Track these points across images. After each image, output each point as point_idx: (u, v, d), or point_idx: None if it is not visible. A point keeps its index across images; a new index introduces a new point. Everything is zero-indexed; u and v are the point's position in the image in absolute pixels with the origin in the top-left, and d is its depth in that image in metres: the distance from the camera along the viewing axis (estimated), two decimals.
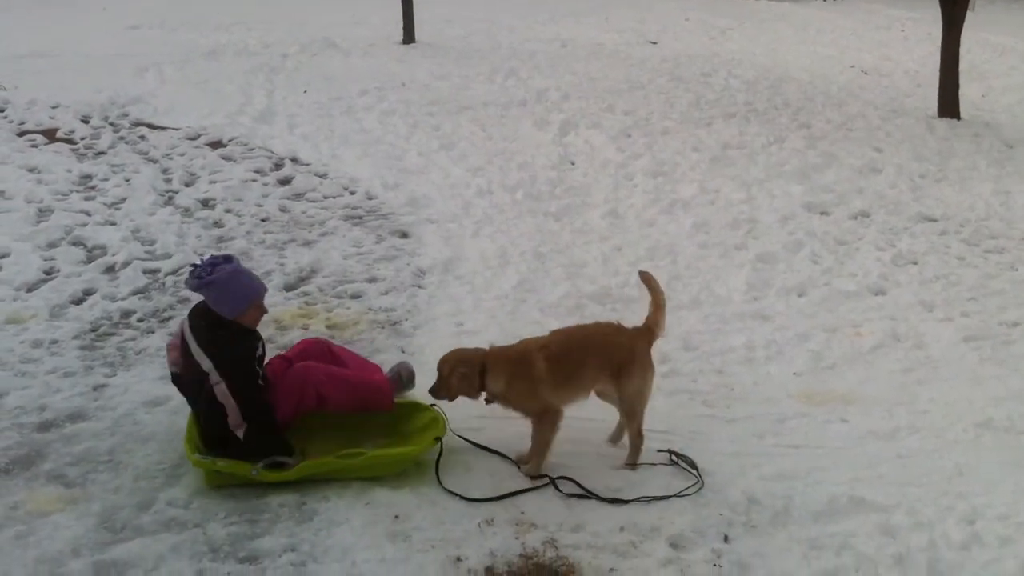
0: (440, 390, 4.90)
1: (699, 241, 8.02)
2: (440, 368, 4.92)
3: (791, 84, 14.41)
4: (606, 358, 4.96)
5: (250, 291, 4.71)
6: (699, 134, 11.15)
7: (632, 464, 4.95)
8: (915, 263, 7.79)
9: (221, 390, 4.52)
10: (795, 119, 12.12)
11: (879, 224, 8.59)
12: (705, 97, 13.14)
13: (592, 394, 5.08)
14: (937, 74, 12.99)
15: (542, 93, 13.02)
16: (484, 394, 4.93)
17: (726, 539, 4.36)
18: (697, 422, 5.38)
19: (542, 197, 9.09)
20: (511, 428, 5.20)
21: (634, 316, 6.64)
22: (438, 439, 4.82)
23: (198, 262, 4.78)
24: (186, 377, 4.76)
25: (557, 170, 9.85)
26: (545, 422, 4.83)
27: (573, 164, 10.12)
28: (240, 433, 4.55)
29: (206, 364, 4.56)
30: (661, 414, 5.41)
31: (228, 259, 4.72)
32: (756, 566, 4.20)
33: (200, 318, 4.70)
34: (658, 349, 6.14)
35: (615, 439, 5.20)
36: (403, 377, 5.24)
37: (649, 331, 5.18)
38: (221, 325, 4.64)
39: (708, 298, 7.02)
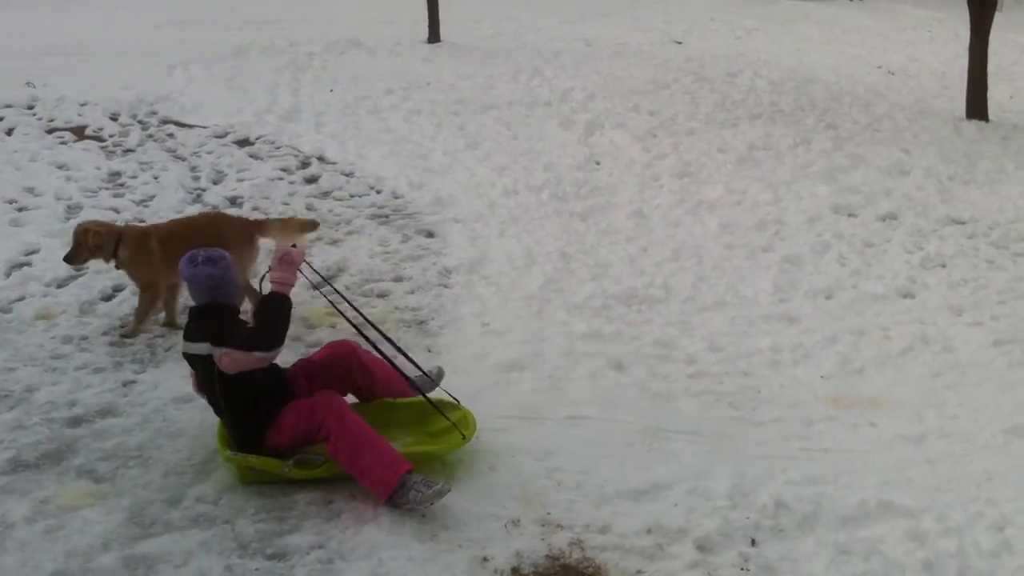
0: (77, 256, 6.15)
1: (725, 242, 8.00)
2: (77, 235, 6.11)
3: (817, 85, 14.35)
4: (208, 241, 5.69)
5: (233, 276, 4.87)
6: (725, 135, 11.12)
7: None
8: (943, 266, 7.74)
9: (227, 361, 4.51)
10: (822, 120, 12.07)
11: (907, 226, 8.54)
12: (731, 97, 13.10)
13: None
14: (964, 75, 12.88)
15: (567, 93, 13.01)
16: (115, 261, 6.20)
17: (753, 543, 4.36)
18: (723, 424, 5.37)
19: (567, 197, 9.09)
20: (538, 429, 5.23)
21: (660, 317, 6.68)
22: (464, 436, 4.84)
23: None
24: (203, 384, 4.78)
25: (583, 170, 9.85)
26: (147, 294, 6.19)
27: (598, 164, 10.11)
28: (263, 357, 4.53)
29: (204, 348, 4.57)
30: (687, 415, 5.42)
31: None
32: (784, 570, 4.19)
33: (189, 324, 4.75)
34: (683, 350, 6.20)
35: None
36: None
37: (256, 224, 6.60)
38: (215, 312, 4.69)
39: (734, 299, 7.01)
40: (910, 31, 20.11)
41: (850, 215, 8.77)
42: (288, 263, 4.72)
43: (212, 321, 4.66)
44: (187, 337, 4.71)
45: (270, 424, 4.62)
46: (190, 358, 4.72)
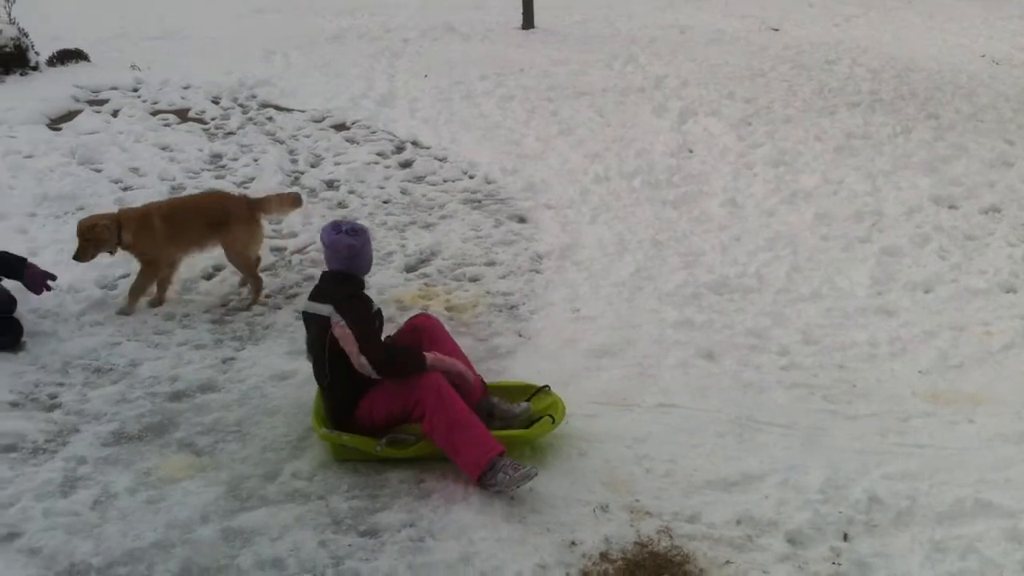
0: (85, 252, 6.23)
1: (821, 233, 7.87)
2: (82, 232, 6.20)
3: (918, 73, 13.98)
4: (212, 219, 6.46)
5: (372, 259, 5.07)
6: (822, 123, 10.91)
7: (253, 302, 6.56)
8: None
9: (340, 331, 4.62)
10: (923, 109, 11.76)
11: (1011, 219, 8.29)
12: (829, 85, 12.84)
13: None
14: None
15: (661, 80, 12.89)
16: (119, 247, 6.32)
17: (846, 537, 4.30)
18: (817, 417, 5.30)
19: (660, 185, 9.03)
20: (628, 416, 5.23)
21: (753, 307, 6.61)
22: (553, 420, 4.86)
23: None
24: (310, 346, 4.91)
25: (675, 158, 9.76)
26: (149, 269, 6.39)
27: (691, 152, 10.02)
28: (365, 365, 4.60)
29: (326, 309, 4.69)
30: (781, 407, 5.37)
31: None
32: (877, 566, 4.13)
33: (320, 284, 4.94)
34: (776, 341, 6.12)
35: (254, 299, 6.62)
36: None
37: (257, 203, 6.71)
38: (346, 278, 4.86)
39: (830, 291, 6.89)
40: (1016, 20, 19.42)
41: (951, 207, 8.55)
42: (459, 377, 4.80)
43: (342, 288, 4.81)
44: (312, 298, 4.87)
45: (362, 398, 4.72)
46: (308, 318, 4.85)
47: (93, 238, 6.24)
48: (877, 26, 17.83)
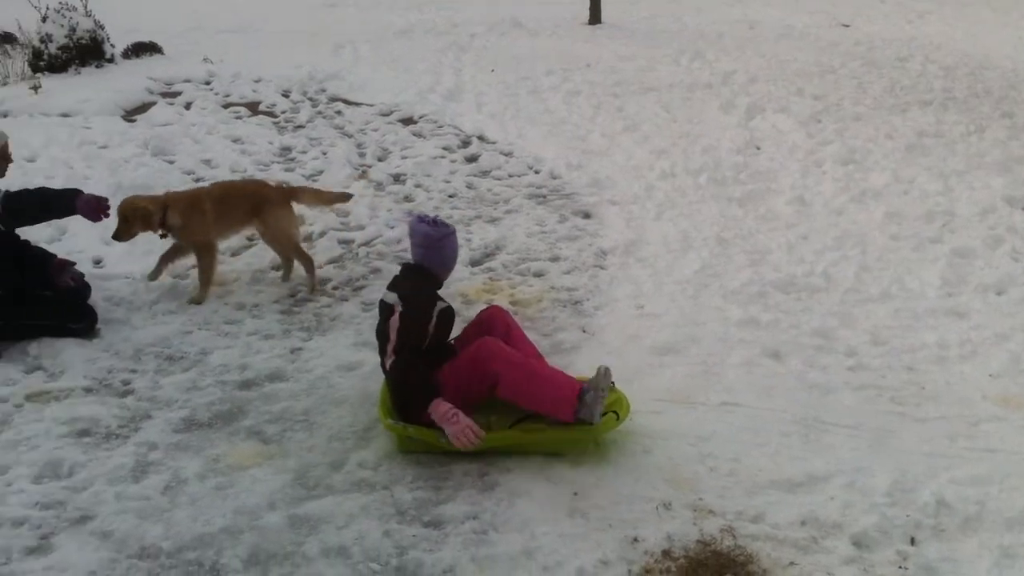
0: (125, 232, 6.25)
1: (891, 232, 7.75)
2: (123, 212, 6.23)
3: (993, 71, 13.70)
4: (253, 203, 6.65)
5: (455, 257, 5.12)
6: (893, 121, 10.74)
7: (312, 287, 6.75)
8: None
9: (394, 320, 4.72)
10: (997, 108, 11.52)
11: None
12: (900, 83, 12.64)
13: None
14: None
15: (728, 75, 12.80)
16: (162, 230, 6.38)
17: (913, 541, 4.24)
18: (885, 419, 5.22)
19: (726, 182, 8.96)
20: (692, 414, 5.21)
21: (820, 306, 6.54)
22: (617, 416, 4.86)
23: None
24: (377, 333, 4.98)
25: (742, 154, 9.69)
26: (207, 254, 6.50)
27: (759, 149, 9.93)
28: (388, 363, 4.72)
29: (392, 297, 4.80)
30: (847, 408, 5.30)
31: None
32: (944, 571, 4.06)
33: (399, 273, 5.04)
34: (844, 341, 6.05)
35: (285, 277, 6.90)
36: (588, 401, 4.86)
37: (292, 191, 6.97)
38: (421, 272, 4.94)
39: (899, 292, 6.79)
40: None
41: None
42: (455, 430, 4.61)
43: (411, 279, 4.90)
44: (389, 284, 4.99)
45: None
46: (381, 305, 4.94)
47: (135, 218, 6.32)
48: (951, 22, 17.50)
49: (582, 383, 4.71)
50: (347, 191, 7.74)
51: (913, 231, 7.76)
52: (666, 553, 4.18)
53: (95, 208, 6.16)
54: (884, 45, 15.08)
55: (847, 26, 17.09)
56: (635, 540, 4.24)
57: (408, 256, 5.43)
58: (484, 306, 6.36)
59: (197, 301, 6.51)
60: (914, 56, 14.24)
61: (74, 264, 6.30)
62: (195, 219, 6.45)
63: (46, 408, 5.23)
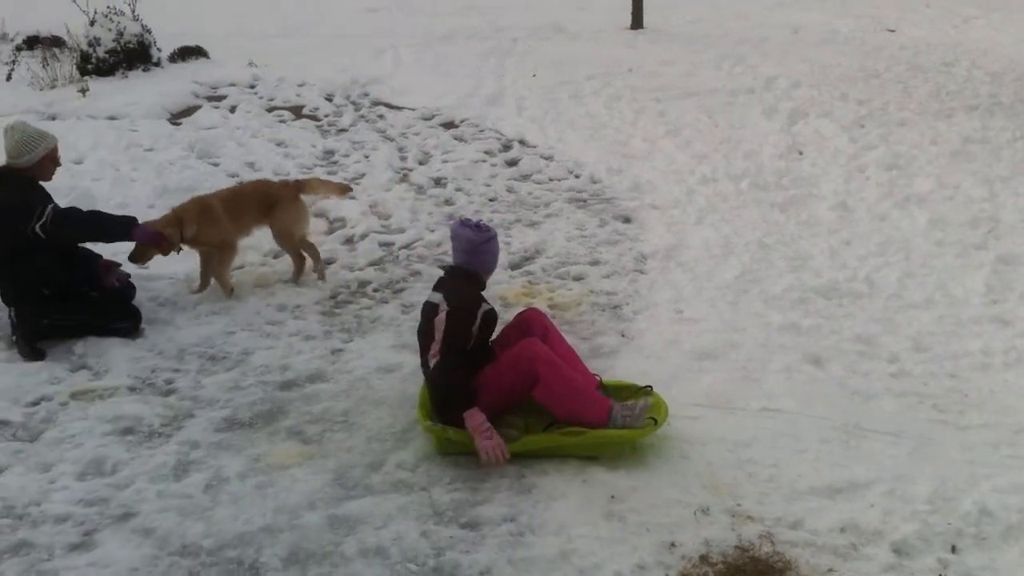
0: (142, 255, 6.32)
1: (935, 238, 7.66)
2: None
3: None
4: (261, 200, 6.83)
5: (496, 260, 5.15)
6: (938, 126, 10.62)
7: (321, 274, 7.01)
8: None
9: (439, 319, 4.75)
10: None
11: None
12: (946, 88, 12.49)
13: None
14: None
15: (771, 80, 12.72)
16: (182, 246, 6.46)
17: (954, 549, 4.20)
18: (927, 426, 5.17)
19: (768, 187, 8.91)
20: (731, 419, 5.19)
21: (863, 312, 6.49)
22: (655, 422, 4.85)
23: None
24: (420, 337, 5.01)
25: (785, 160, 9.63)
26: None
27: (801, 154, 9.86)
28: (432, 363, 4.73)
29: (437, 297, 4.86)
30: (889, 415, 5.25)
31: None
32: None
33: (444, 275, 5.08)
34: (886, 348, 6.00)
35: (296, 277, 6.99)
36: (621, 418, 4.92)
37: (298, 183, 7.09)
38: (466, 275, 4.97)
39: (943, 298, 6.71)
40: None
41: None
42: (487, 445, 4.67)
43: (456, 281, 4.94)
44: (435, 286, 5.04)
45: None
46: (425, 306, 4.99)
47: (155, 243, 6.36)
48: (998, 28, 17.25)
49: (610, 403, 4.80)
50: (348, 184, 8.00)
51: (957, 237, 7.67)
52: (704, 558, 4.17)
53: (152, 239, 6.24)
54: (929, 50, 14.90)
55: (892, 31, 16.91)
56: (672, 545, 4.23)
57: (449, 259, 5.47)
58: (522, 309, 6.43)
59: (228, 295, 6.66)
60: (960, 61, 14.06)
61: (120, 265, 6.39)
62: (208, 224, 6.56)
63: (91, 406, 5.32)
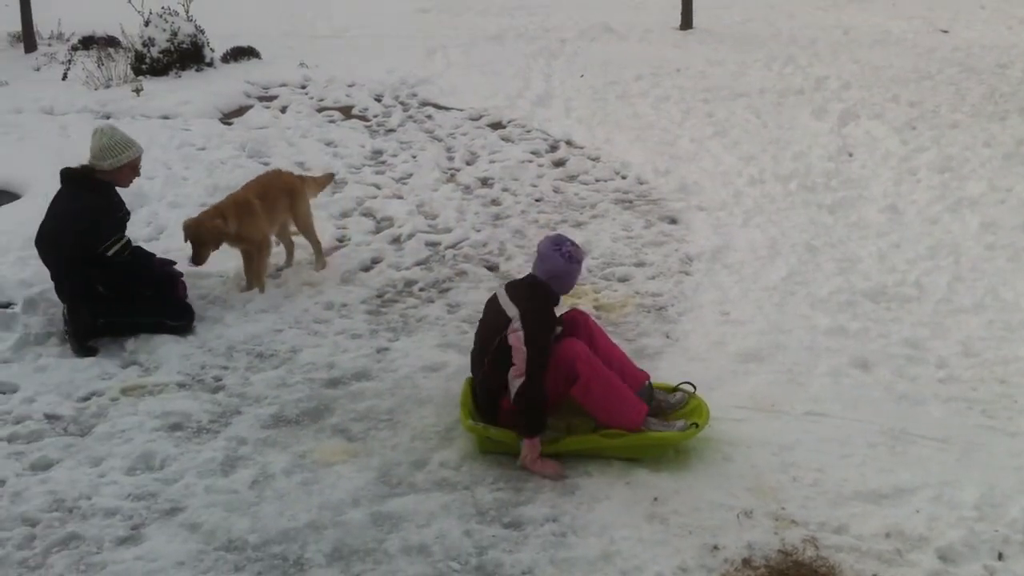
0: (201, 254, 6.49)
1: (986, 242, 7.55)
2: (194, 237, 6.45)
3: None
4: (286, 190, 7.01)
5: (575, 282, 5.10)
6: (992, 128, 10.46)
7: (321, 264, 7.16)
8: None
9: (517, 336, 4.70)
10: None
11: None
12: (1000, 90, 12.29)
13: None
14: None
15: (821, 81, 12.60)
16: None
17: (1000, 556, 4.16)
18: (975, 432, 5.11)
19: (816, 188, 8.84)
20: (775, 422, 5.17)
21: (911, 316, 6.43)
22: (695, 425, 4.85)
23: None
24: (481, 333, 5.02)
25: (834, 161, 9.54)
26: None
27: (851, 156, 9.76)
28: (516, 384, 4.70)
29: (512, 311, 4.79)
30: (935, 420, 5.20)
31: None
32: None
33: (520, 283, 5.05)
34: (935, 352, 5.93)
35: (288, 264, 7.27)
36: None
37: (303, 180, 7.36)
38: (544, 290, 4.92)
39: (993, 303, 6.62)
40: None
41: None
42: (538, 471, 4.76)
43: (536, 296, 4.88)
44: (507, 288, 5.03)
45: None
46: (492, 305, 5.00)
47: (208, 239, 6.52)
48: None
49: (647, 409, 4.85)
50: (330, 172, 8.32)
51: (1009, 241, 7.56)
52: (746, 562, 4.16)
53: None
54: (983, 52, 14.67)
55: (946, 32, 16.67)
56: (715, 548, 4.23)
57: (495, 259, 5.45)
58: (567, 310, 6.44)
59: (261, 289, 6.79)
60: (1015, 63, 13.83)
61: (174, 263, 6.50)
62: (248, 220, 6.67)
63: (140, 402, 5.42)
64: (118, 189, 6.21)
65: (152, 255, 6.48)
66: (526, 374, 4.67)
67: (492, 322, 4.93)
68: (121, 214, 6.20)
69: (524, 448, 4.71)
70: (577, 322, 5.16)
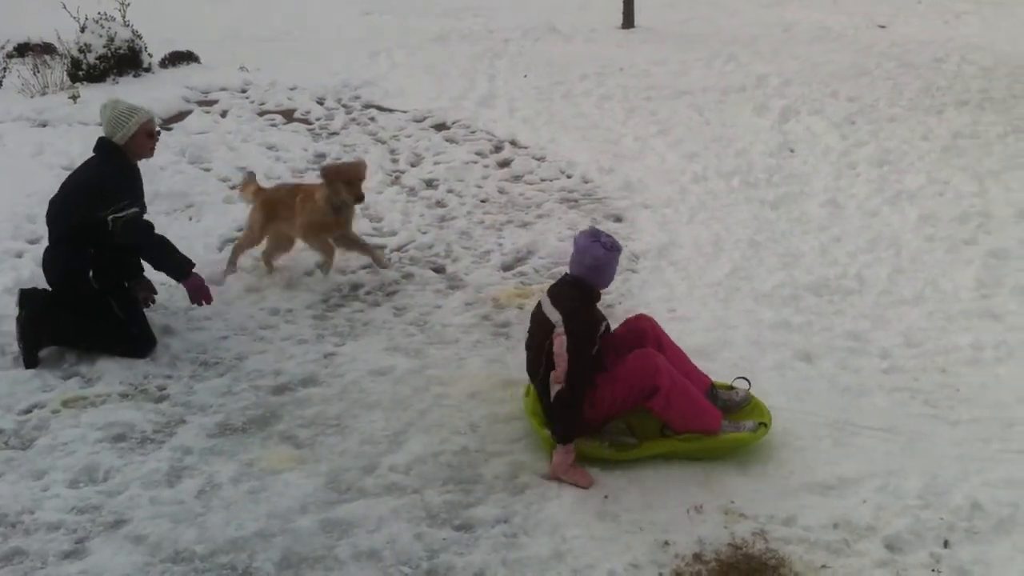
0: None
1: (925, 234, 7.68)
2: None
3: None
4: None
5: (615, 274, 5.06)
6: (929, 122, 10.64)
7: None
8: None
9: (560, 342, 4.66)
10: None
11: None
12: (936, 84, 12.49)
13: None
14: None
15: (762, 78, 12.73)
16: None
17: (946, 544, 4.22)
18: (918, 422, 5.19)
19: (759, 184, 8.93)
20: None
21: (853, 309, 6.51)
22: (764, 425, 4.89)
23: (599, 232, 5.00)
24: (530, 343, 4.97)
25: (775, 157, 9.65)
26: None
27: (792, 151, 9.88)
28: (555, 390, 4.67)
29: (555, 317, 4.75)
30: (880, 411, 5.27)
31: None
32: (977, 574, 4.05)
33: (559, 285, 4.97)
34: (877, 344, 6.01)
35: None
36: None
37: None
38: (582, 289, 4.87)
39: (933, 294, 6.74)
40: None
41: None
42: (567, 477, 4.71)
43: (576, 296, 4.85)
44: (549, 292, 4.96)
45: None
46: (538, 313, 4.93)
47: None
48: (991, 23, 17.27)
49: (721, 415, 4.88)
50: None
51: (948, 233, 7.70)
52: (697, 556, 4.19)
53: (199, 293, 6.08)
54: (920, 47, 14.90)
55: (883, 27, 16.93)
56: (666, 543, 4.25)
57: (442, 261, 5.42)
58: (516, 311, 6.44)
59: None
60: (950, 57, 14.07)
61: (155, 292, 6.35)
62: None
63: (82, 414, 5.30)
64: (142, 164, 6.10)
65: (141, 272, 6.32)
66: (567, 383, 4.64)
67: (539, 330, 4.88)
68: (128, 183, 5.95)
69: (557, 455, 4.66)
70: (645, 329, 5.12)
